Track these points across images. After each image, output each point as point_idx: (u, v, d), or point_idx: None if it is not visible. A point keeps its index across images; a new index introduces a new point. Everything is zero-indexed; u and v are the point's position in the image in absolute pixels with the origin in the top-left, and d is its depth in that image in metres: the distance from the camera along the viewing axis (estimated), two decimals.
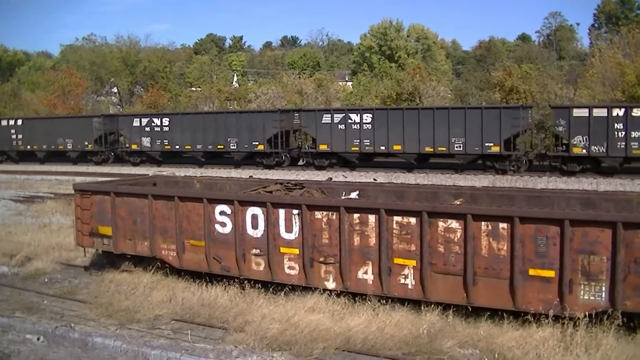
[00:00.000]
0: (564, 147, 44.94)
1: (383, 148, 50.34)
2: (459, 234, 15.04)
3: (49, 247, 24.76)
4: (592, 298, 13.85)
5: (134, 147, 61.93)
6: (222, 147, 56.79)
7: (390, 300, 15.98)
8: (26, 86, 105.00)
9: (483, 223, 14.76)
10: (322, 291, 16.68)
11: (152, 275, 19.45)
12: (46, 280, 21.40)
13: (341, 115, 51.93)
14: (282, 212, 17.25)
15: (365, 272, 16.27)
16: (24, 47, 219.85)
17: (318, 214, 16.73)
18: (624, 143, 42.50)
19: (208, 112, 65.07)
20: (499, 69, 73.49)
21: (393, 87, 66.37)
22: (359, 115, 51.18)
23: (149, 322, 16.71)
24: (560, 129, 44.51)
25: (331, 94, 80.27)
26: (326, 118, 52.21)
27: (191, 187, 22.65)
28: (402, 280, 15.83)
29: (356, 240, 16.29)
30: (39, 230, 28.35)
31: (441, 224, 15.24)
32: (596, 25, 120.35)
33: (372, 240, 16.07)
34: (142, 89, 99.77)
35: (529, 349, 13.28)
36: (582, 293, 13.91)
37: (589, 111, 43.75)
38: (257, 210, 17.62)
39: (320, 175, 46.60)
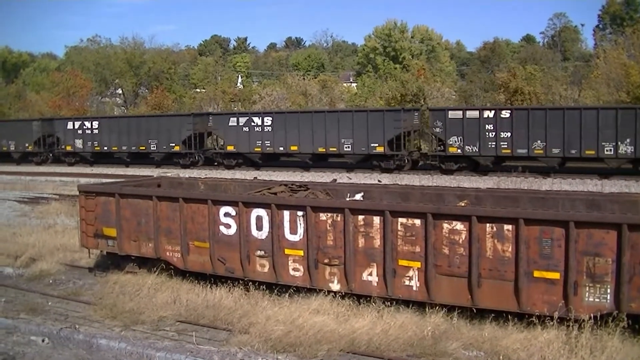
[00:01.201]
0: (442, 147, 48.20)
1: (282, 149, 54.48)
2: (463, 236, 15.04)
3: (54, 248, 24.77)
4: (597, 300, 13.83)
5: (69, 148, 65.87)
6: (143, 148, 61.06)
7: (394, 302, 15.98)
8: (31, 87, 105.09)
9: (488, 225, 14.76)
10: (326, 293, 16.68)
11: (156, 276, 19.46)
12: (51, 281, 21.43)
13: (245, 119, 56.00)
14: (286, 213, 17.25)
15: (370, 274, 16.28)
16: (29, 48, 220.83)
17: (323, 216, 16.73)
18: (494, 143, 46.17)
19: (132, 116, 70.07)
20: (503, 70, 73.41)
21: (397, 89, 66.25)
22: (260, 118, 55.51)
23: (154, 324, 16.72)
24: (437, 130, 48.07)
25: (335, 95, 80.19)
26: (232, 121, 56.34)
27: (195, 189, 22.66)
28: (407, 282, 15.83)
29: (361, 241, 16.29)
30: (44, 232, 28.36)
31: (446, 225, 15.23)
32: (601, 26, 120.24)
33: (377, 242, 16.07)
34: (146, 90, 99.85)
35: (533, 351, 13.27)
36: (587, 295, 13.90)
37: (463, 113, 47.65)
38: (261, 212, 17.63)
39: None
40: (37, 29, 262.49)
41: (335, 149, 52.12)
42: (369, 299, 16.24)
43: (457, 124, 47.32)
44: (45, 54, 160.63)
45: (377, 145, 50.13)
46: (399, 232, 15.79)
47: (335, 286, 16.77)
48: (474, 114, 47.30)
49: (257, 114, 56.82)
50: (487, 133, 46.40)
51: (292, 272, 17.43)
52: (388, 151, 49.95)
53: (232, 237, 18.19)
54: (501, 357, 13.45)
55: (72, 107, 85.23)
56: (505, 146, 46.02)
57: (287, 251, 17.40)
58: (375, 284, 16.25)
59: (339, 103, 77.34)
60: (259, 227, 17.71)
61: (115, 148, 62.60)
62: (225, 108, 77.73)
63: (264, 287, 17.88)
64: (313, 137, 52.63)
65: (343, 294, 16.60)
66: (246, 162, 56.73)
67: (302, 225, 17.02)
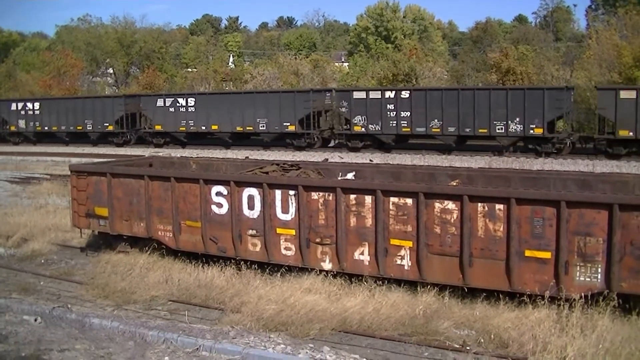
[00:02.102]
0: (348, 125, 51.52)
1: (204, 128, 57.73)
2: (455, 215, 15.08)
3: (45, 228, 24.75)
4: (588, 279, 13.91)
5: (12, 128, 68.48)
6: (80, 128, 63.76)
7: (386, 281, 16.03)
8: (21, 67, 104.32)
9: (479, 204, 14.80)
10: (318, 272, 16.72)
11: (148, 256, 19.48)
12: (42, 261, 21.44)
13: (171, 100, 59.28)
14: (278, 193, 17.27)
15: (362, 253, 16.32)
16: (19, 27, 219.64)
17: (314, 195, 16.75)
18: (395, 122, 49.23)
19: (70, 97, 71.89)
20: (495, 50, 73.28)
21: (389, 68, 66.19)
22: (185, 99, 58.77)
23: (146, 303, 16.76)
24: (343, 109, 51.38)
25: (327, 75, 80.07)
26: (160, 102, 59.47)
27: (187, 168, 22.63)
28: (399, 261, 15.88)
29: (352, 221, 16.32)
30: (35, 212, 28.31)
31: (437, 205, 15.27)
32: (593, 6, 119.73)
33: (369, 221, 16.10)
34: (137, 70, 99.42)
35: (524, 330, 13.32)
36: (578, 274, 13.97)
37: (366, 94, 50.80)
38: (253, 191, 17.64)
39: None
40: (27, 8, 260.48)
41: (251, 128, 55.36)
42: (360, 278, 16.29)
43: (362, 104, 50.31)
44: (35, 33, 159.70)
45: (289, 124, 53.29)
46: (391, 212, 15.81)
47: (327, 265, 16.81)
48: (377, 94, 50.45)
49: (181, 95, 60.58)
50: (388, 112, 49.37)
51: (284, 252, 17.47)
52: (299, 130, 52.92)
53: (224, 216, 18.20)
54: (492, 336, 13.52)
55: (62, 87, 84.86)
56: (405, 125, 49.00)
57: (279, 230, 17.43)
58: (367, 263, 16.29)
59: (331, 82, 77.19)
60: (251, 207, 17.73)
61: (55, 128, 65.35)
62: (217, 87, 77.73)
63: (256, 266, 17.90)
64: (232, 117, 55.76)
65: (335, 273, 16.64)
66: (173, 141, 59.65)
67: (294, 204, 17.04)
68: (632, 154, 42.96)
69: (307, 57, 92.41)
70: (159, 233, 19.53)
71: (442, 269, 15.43)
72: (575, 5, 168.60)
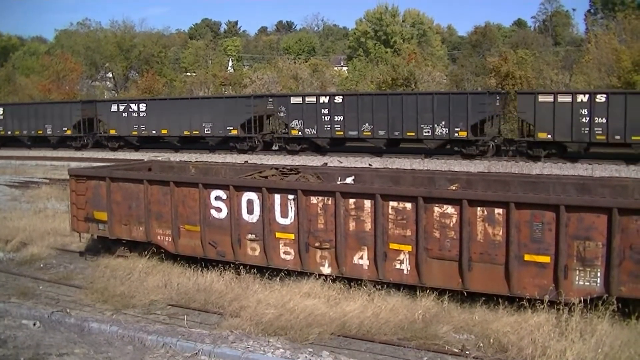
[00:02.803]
0: (287, 129, 53.88)
1: (154, 132, 59.96)
2: (454, 219, 15.08)
3: (44, 232, 24.74)
4: (587, 283, 13.91)
5: None
6: (41, 132, 66.08)
7: (385, 286, 16.04)
8: (20, 71, 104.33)
9: (479, 208, 14.80)
10: (317, 276, 16.73)
11: (147, 260, 19.47)
12: (41, 265, 21.42)
13: (124, 105, 61.71)
14: (277, 197, 17.27)
15: (361, 258, 16.32)
16: (18, 31, 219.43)
17: (314, 199, 16.75)
18: (329, 126, 51.63)
19: (31, 103, 72.51)
20: (494, 54, 73.33)
21: (388, 73, 66.20)
22: (137, 104, 61.20)
23: (145, 308, 16.75)
24: (282, 114, 53.87)
25: (326, 79, 79.98)
26: (114, 107, 62.24)
27: (186, 172, 22.64)
28: (398, 266, 15.88)
29: (352, 225, 16.32)
30: (34, 216, 28.31)
31: (437, 209, 15.27)
32: (592, 10, 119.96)
33: (368, 226, 16.10)
34: (137, 74, 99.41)
35: (524, 334, 13.32)
36: (577, 278, 13.98)
37: (303, 99, 53.14)
38: (252, 196, 17.64)
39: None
40: (26, 11, 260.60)
41: (198, 132, 57.66)
42: (359, 282, 16.29)
43: (298, 109, 52.64)
44: (34, 37, 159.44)
45: (232, 128, 55.64)
46: (390, 216, 15.82)
47: (326, 270, 16.81)
48: (312, 99, 52.68)
49: (133, 101, 62.90)
50: (323, 117, 51.72)
51: (283, 256, 17.46)
52: (242, 134, 55.37)
53: (223, 220, 18.20)
54: (492, 340, 13.51)
55: (62, 91, 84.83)
56: (339, 128, 51.35)
57: (278, 235, 17.43)
58: (366, 268, 16.29)
59: (330, 87, 77.14)
60: (250, 211, 17.72)
61: (18, 132, 67.75)
62: (216, 92, 77.72)
63: (255, 270, 17.91)
64: (180, 122, 57.92)
65: (334, 277, 16.65)
66: (127, 145, 62.39)
67: (293, 208, 17.04)
68: (551, 155, 45.25)
69: (306, 62, 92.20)
70: (158, 237, 19.53)
71: (442, 273, 15.43)
72: (574, 10, 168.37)
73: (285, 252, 17.43)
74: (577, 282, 13.99)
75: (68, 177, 21.92)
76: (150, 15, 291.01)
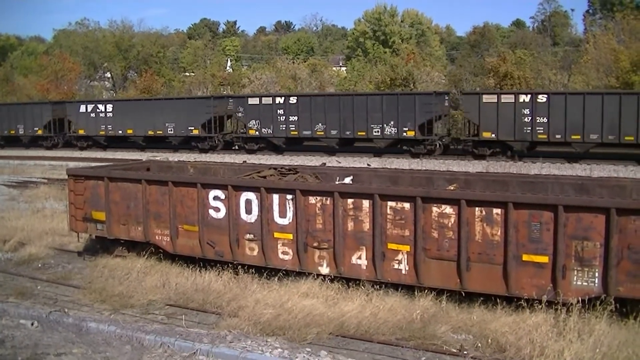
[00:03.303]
0: (245, 129, 56.46)
1: (120, 132, 62.25)
2: (452, 220, 15.08)
3: (43, 232, 24.73)
4: (585, 284, 13.92)
5: None
6: (13, 132, 68.82)
7: (383, 286, 16.03)
8: (19, 71, 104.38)
9: (477, 208, 14.81)
10: (315, 276, 16.73)
11: (145, 260, 19.46)
12: (40, 265, 21.40)
13: (92, 106, 63.90)
14: (276, 197, 17.27)
15: (359, 258, 16.31)
16: (17, 31, 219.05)
17: (312, 199, 16.75)
18: (285, 125, 53.98)
19: (3, 104, 75.23)
20: (493, 54, 73.38)
21: (387, 73, 66.23)
22: (104, 105, 63.63)
23: (143, 307, 16.75)
24: (240, 114, 56.34)
25: (325, 79, 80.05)
26: (82, 108, 64.14)
27: (185, 172, 22.64)
28: (396, 266, 15.87)
29: (350, 225, 16.32)
30: (32, 216, 28.30)
31: (435, 209, 15.27)
32: (591, 11, 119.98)
33: (366, 226, 16.10)
34: (135, 74, 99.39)
35: (522, 335, 13.32)
36: (575, 279, 13.98)
37: (260, 100, 55.58)
38: (251, 195, 17.63)
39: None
40: (25, 11, 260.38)
41: (161, 132, 59.87)
42: (358, 282, 16.29)
43: (255, 109, 55.00)
44: (33, 37, 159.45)
45: (193, 128, 57.97)
46: (389, 216, 15.82)
47: (324, 270, 16.81)
48: (269, 100, 55.05)
49: (101, 102, 65.78)
50: (278, 117, 53.98)
51: (281, 256, 17.46)
52: (203, 133, 57.68)
53: (221, 220, 18.20)
54: (490, 341, 13.51)
55: (60, 91, 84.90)
56: (293, 128, 53.61)
57: (276, 235, 17.42)
58: (365, 268, 16.29)
59: (329, 87, 77.27)
60: (248, 211, 17.72)
61: None
62: (215, 92, 77.68)
63: (253, 270, 17.89)
64: (144, 122, 60.15)
65: (332, 277, 16.64)
66: (96, 144, 64.69)
67: (292, 208, 17.04)
68: (496, 154, 47.10)
69: (305, 62, 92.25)
70: (157, 237, 19.52)
71: (440, 273, 15.43)
72: (572, 10, 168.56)
73: (284, 252, 17.43)
74: (575, 282, 14.00)
75: (66, 177, 21.91)
76: (148, 15, 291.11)
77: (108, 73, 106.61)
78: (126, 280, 18.47)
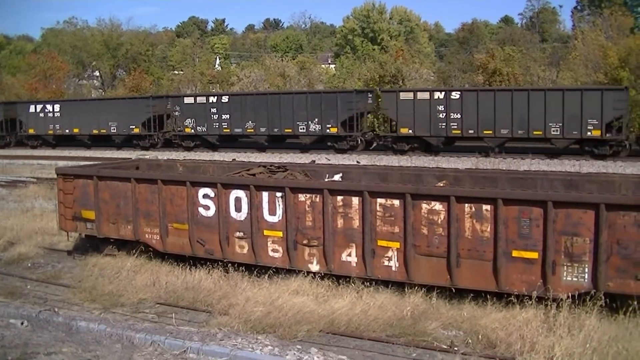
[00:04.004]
0: (182, 127, 58.27)
1: (67, 131, 64.26)
2: (442, 216, 15.10)
3: (32, 231, 24.66)
4: (575, 279, 13.95)
5: None
6: None
7: (374, 283, 16.04)
8: (7, 70, 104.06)
9: (466, 205, 14.83)
10: (305, 274, 16.73)
11: (135, 259, 19.42)
12: (29, 264, 21.36)
13: (41, 106, 65.78)
14: (265, 194, 17.26)
15: (349, 255, 16.32)
16: (5, 30, 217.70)
17: (301, 197, 16.75)
18: (218, 123, 56.36)
19: None
20: (481, 51, 73.51)
21: (376, 70, 66.19)
22: (52, 105, 65.51)
23: (133, 306, 16.74)
24: (177, 113, 58.29)
25: (314, 77, 80.00)
26: (32, 108, 66.24)
27: (174, 171, 22.60)
28: (386, 263, 15.89)
29: (340, 222, 16.32)
30: (22, 215, 28.22)
31: (425, 205, 15.29)
32: (579, 7, 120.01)
33: (356, 223, 16.11)
34: (124, 73, 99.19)
35: (512, 330, 13.35)
36: (565, 274, 14.01)
37: (194, 99, 58.25)
38: (240, 193, 17.62)
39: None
40: (12, 10, 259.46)
41: (105, 131, 62.00)
42: (348, 279, 16.29)
43: (191, 108, 57.32)
44: (21, 36, 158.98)
45: (134, 127, 60.10)
46: (378, 213, 15.82)
47: (314, 267, 16.82)
48: (203, 99, 57.58)
49: (49, 102, 67.16)
50: (212, 115, 56.28)
51: (271, 253, 17.46)
52: (144, 132, 59.86)
53: (211, 218, 18.18)
54: (480, 336, 13.54)
55: (49, 90, 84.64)
56: (226, 126, 55.92)
57: (266, 232, 17.42)
58: (355, 265, 16.29)
59: (318, 84, 77.16)
60: (238, 209, 17.71)
61: None
62: (204, 89, 77.82)
63: (244, 268, 17.89)
64: (89, 121, 62.38)
65: (322, 274, 16.65)
66: (45, 143, 66.58)
67: (281, 206, 17.04)
68: (415, 149, 49.14)
69: (294, 59, 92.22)
70: (146, 236, 19.49)
71: (430, 270, 15.45)
72: (561, 6, 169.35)
73: (274, 250, 17.43)
74: (565, 278, 14.03)
75: (55, 176, 21.85)
76: (137, 13, 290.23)
77: (97, 72, 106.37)
78: (116, 279, 18.44)
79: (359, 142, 51.88)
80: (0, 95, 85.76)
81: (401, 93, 49.54)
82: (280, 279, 16.94)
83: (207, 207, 18.23)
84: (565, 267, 14.01)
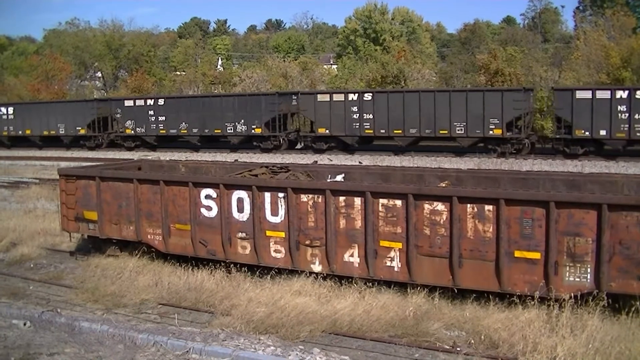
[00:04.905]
0: (122, 129, 61.01)
1: (20, 132, 66.75)
2: (444, 216, 15.09)
3: (34, 232, 24.67)
4: (577, 279, 13.94)
5: None
6: None
7: (376, 283, 16.04)
8: (9, 71, 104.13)
9: (469, 205, 14.82)
10: (308, 274, 16.72)
11: (138, 259, 19.43)
12: (32, 265, 21.37)
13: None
14: (267, 195, 17.25)
15: (351, 255, 16.32)
16: (7, 32, 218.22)
17: (304, 197, 16.74)
18: (155, 125, 58.49)
19: None
20: (483, 51, 73.42)
21: (378, 70, 66.20)
22: (6, 108, 67.79)
23: (136, 307, 16.74)
24: (118, 115, 60.89)
25: (316, 77, 79.97)
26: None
27: (176, 171, 22.61)
28: (388, 263, 15.88)
29: (342, 223, 16.32)
30: (24, 216, 28.23)
31: (427, 206, 15.28)
32: (581, 7, 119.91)
33: (358, 223, 16.10)
34: (126, 73, 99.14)
35: (514, 331, 13.34)
36: (567, 275, 14.00)
37: (134, 102, 60.50)
38: (242, 194, 17.62)
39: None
40: (14, 11, 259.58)
41: (54, 132, 64.53)
42: (350, 280, 16.29)
43: (131, 110, 59.84)
44: (23, 37, 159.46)
45: (80, 128, 62.74)
46: (380, 213, 15.82)
47: (316, 267, 16.81)
48: (141, 102, 60.03)
49: (3, 105, 69.58)
50: (150, 117, 58.74)
51: (273, 254, 17.46)
52: (90, 132, 62.47)
53: (213, 219, 18.18)
54: (483, 337, 13.54)
55: (51, 91, 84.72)
56: (162, 127, 58.45)
57: (268, 233, 17.42)
58: (357, 265, 16.29)
59: (320, 85, 77.16)
60: (240, 209, 17.71)
61: None
62: (206, 90, 77.78)
63: (246, 269, 17.90)
64: (40, 123, 64.90)
65: (325, 275, 16.65)
66: (1, 144, 68.77)
67: (283, 206, 17.03)
68: (332, 148, 52.06)
69: (296, 60, 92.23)
70: (149, 236, 19.50)
71: (432, 270, 15.45)
72: (563, 7, 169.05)
73: (276, 251, 17.43)
74: (567, 278, 14.03)
75: (58, 176, 21.86)
76: (139, 14, 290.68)
77: (99, 73, 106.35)
78: (119, 279, 18.45)
79: (282, 141, 54.23)
80: (3, 96, 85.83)
81: (318, 95, 52.70)
82: (283, 279, 16.93)
83: (209, 208, 18.23)
84: (567, 267, 14.00)
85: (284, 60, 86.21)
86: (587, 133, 43.22)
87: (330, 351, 13.37)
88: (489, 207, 14.63)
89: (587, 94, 43.38)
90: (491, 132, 45.91)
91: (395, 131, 48.95)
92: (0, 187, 39.61)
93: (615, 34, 63.47)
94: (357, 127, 50.15)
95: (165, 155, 50.99)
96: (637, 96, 41.96)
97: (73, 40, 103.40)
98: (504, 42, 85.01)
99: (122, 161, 27.59)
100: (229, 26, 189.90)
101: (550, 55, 78.42)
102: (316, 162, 38.63)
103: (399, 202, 15.59)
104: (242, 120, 54.64)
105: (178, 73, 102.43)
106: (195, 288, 17.33)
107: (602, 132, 42.84)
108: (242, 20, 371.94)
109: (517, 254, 14.45)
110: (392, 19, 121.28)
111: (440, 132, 47.43)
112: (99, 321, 15.00)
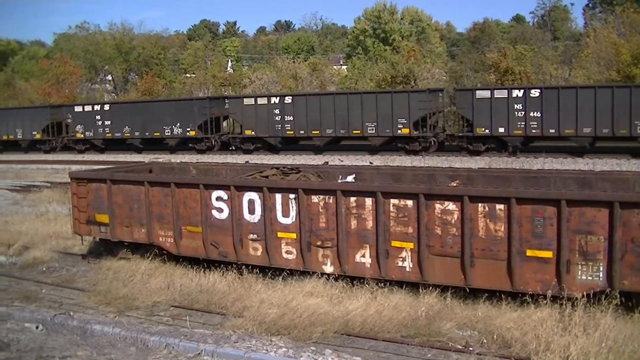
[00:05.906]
0: (73, 133, 63.80)
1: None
2: (456, 216, 15.06)
3: (47, 235, 24.75)
4: (589, 278, 13.89)
5: None
6: None
7: (388, 283, 16.03)
8: (20, 75, 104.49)
9: (480, 204, 14.79)
10: (320, 275, 16.72)
11: (149, 262, 19.47)
12: (44, 269, 21.42)
13: None
14: (278, 196, 17.25)
15: (363, 256, 16.30)
16: (17, 36, 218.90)
17: (315, 198, 16.73)
18: (102, 129, 62.09)
19: None
20: (493, 50, 73.18)
21: (388, 70, 66.15)
22: None
23: (148, 309, 16.76)
24: (69, 120, 64.03)
25: (326, 78, 79.95)
26: None
27: (187, 173, 22.64)
28: (400, 263, 15.86)
29: (353, 223, 16.30)
30: (36, 219, 28.34)
31: (438, 205, 15.25)
32: (590, 5, 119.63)
33: (369, 224, 16.09)
34: (136, 76, 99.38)
35: (527, 330, 13.30)
36: (579, 273, 13.95)
37: (83, 107, 63.77)
38: (253, 195, 17.62)
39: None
40: (25, 16, 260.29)
41: (13, 137, 68.25)
42: (362, 280, 16.27)
43: (80, 115, 63.07)
44: (33, 41, 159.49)
45: (36, 132, 66.27)
46: (391, 213, 15.80)
47: (328, 268, 16.80)
48: (89, 108, 63.35)
49: None
50: (97, 122, 61.91)
51: (285, 255, 17.45)
52: (44, 136, 65.90)
53: (224, 221, 18.19)
54: (495, 336, 13.50)
55: (62, 95, 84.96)
56: (108, 131, 61.78)
57: (279, 234, 17.42)
58: (369, 266, 16.28)
59: (330, 86, 77.13)
60: (251, 211, 17.71)
61: None
62: (216, 92, 77.89)
63: (258, 270, 17.89)
64: (7, 127, 68.46)
65: (336, 276, 16.64)
66: None
67: (295, 208, 17.03)
68: (259, 149, 55.34)
69: (306, 61, 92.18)
70: (160, 239, 19.53)
71: (444, 270, 15.42)
72: (572, 4, 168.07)
73: (288, 252, 17.43)
74: (579, 277, 13.98)
75: (69, 180, 21.92)
76: (148, 17, 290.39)
77: (109, 76, 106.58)
78: (130, 282, 18.49)
79: (214, 143, 57.57)
80: (14, 100, 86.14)
81: (245, 99, 55.90)
82: (294, 280, 16.93)
83: (220, 210, 18.24)
84: (579, 265, 13.96)
85: (294, 62, 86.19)
86: (487, 130, 45.80)
87: (343, 352, 13.35)
88: (500, 206, 14.59)
89: (486, 94, 46.13)
90: (399, 131, 48.88)
91: (313, 132, 52.28)
92: (12, 191, 39.81)
93: (625, 30, 63.23)
94: (279, 128, 53.36)
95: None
96: (531, 95, 44.35)
97: (83, 43, 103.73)
98: (514, 41, 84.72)
99: (133, 164, 27.67)
100: (238, 28, 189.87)
101: (560, 53, 78.20)
102: (327, 162, 38.65)
103: (410, 202, 15.57)
104: (178, 124, 57.79)
105: (188, 75, 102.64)
106: (207, 290, 17.34)
107: (501, 130, 45.38)
108: (251, 21, 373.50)
109: (528, 252, 14.41)
110: (402, 18, 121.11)
111: (354, 132, 50.60)
112: (111, 324, 15.02)
